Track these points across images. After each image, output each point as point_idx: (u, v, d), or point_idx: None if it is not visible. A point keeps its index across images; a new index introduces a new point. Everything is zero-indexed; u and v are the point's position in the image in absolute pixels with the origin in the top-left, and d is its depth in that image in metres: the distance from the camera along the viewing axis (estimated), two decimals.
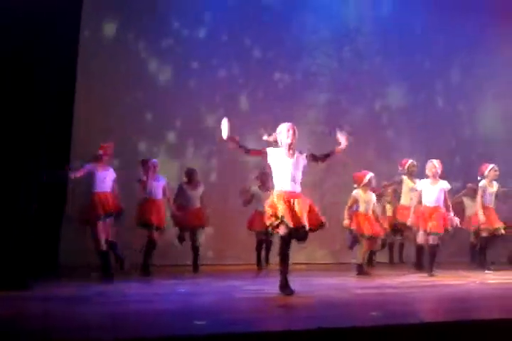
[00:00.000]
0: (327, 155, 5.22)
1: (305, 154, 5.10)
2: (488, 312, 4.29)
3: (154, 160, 6.99)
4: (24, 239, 5.54)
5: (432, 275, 6.68)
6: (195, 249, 7.33)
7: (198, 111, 8.29)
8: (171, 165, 7.94)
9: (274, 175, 5.06)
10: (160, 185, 6.83)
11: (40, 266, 6.08)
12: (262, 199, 6.73)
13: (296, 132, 5.05)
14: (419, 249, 7.34)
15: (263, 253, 7.74)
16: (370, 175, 6.96)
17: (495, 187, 7.82)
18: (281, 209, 4.81)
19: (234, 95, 8.55)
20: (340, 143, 5.15)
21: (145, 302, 4.55)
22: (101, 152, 6.20)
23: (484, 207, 7.67)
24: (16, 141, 5.87)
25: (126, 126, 7.79)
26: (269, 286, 5.17)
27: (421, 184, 7.08)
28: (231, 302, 4.59)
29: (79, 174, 6.10)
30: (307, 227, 4.85)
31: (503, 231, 7.69)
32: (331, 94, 9.08)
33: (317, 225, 4.99)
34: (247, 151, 5.13)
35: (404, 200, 7.80)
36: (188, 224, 7.25)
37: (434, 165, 6.97)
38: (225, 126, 4.97)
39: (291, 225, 4.77)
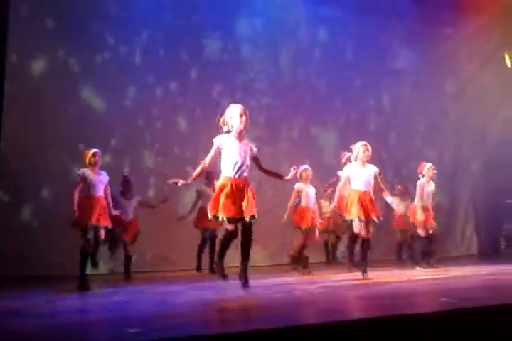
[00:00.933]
0: (270, 173, 5.26)
1: (254, 145, 5.01)
2: (418, 307, 4.47)
3: (96, 150, 6.37)
4: None
5: (365, 275, 6.31)
6: (128, 258, 7.25)
7: (135, 130, 8.14)
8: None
9: (222, 160, 4.94)
10: (102, 181, 6.29)
11: None
12: (208, 196, 6.75)
13: (248, 117, 4.93)
14: (354, 238, 6.68)
15: (206, 255, 7.71)
16: (301, 168, 7.10)
17: (432, 186, 7.94)
18: (224, 205, 4.75)
19: (172, 113, 8.48)
20: (287, 176, 5.31)
21: (79, 312, 4.49)
22: None
23: (421, 207, 7.70)
24: None
25: (59, 148, 7.49)
26: (209, 290, 5.18)
27: (349, 168, 6.60)
28: (168, 308, 4.55)
29: None
30: (249, 216, 4.78)
31: (431, 231, 7.84)
32: (270, 99, 9.20)
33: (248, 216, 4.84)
34: (209, 164, 5.00)
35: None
36: (121, 236, 7.08)
37: (368, 148, 6.51)
38: (180, 182, 4.90)
39: (234, 218, 4.77)
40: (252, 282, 5.03)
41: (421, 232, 7.87)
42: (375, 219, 6.41)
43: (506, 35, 10.86)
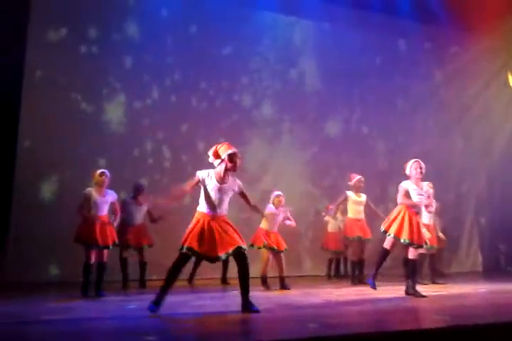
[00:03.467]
0: (253, 207, 5.31)
1: (239, 183, 5.04)
2: (409, 323, 4.64)
3: (103, 170, 6.33)
4: None
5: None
6: (143, 265, 7.39)
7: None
8: None
9: (201, 195, 4.97)
10: (107, 201, 6.27)
11: None
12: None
13: (238, 163, 4.95)
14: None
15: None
16: (274, 194, 7.46)
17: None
18: (194, 236, 4.85)
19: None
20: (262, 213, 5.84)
21: (95, 320, 4.61)
22: None
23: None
24: None
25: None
26: (212, 301, 5.33)
27: (406, 184, 6.26)
28: (179, 318, 4.72)
29: None
30: (218, 254, 4.87)
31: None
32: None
33: (232, 248, 4.92)
34: (187, 191, 5.08)
35: (351, 214, 8.05)
36: (132, 242, 7.24)
37: (421, 165, 6.25)
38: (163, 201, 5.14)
39: (197, 252, 4.85)
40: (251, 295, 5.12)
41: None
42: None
43: (510, 56, 11.06)
